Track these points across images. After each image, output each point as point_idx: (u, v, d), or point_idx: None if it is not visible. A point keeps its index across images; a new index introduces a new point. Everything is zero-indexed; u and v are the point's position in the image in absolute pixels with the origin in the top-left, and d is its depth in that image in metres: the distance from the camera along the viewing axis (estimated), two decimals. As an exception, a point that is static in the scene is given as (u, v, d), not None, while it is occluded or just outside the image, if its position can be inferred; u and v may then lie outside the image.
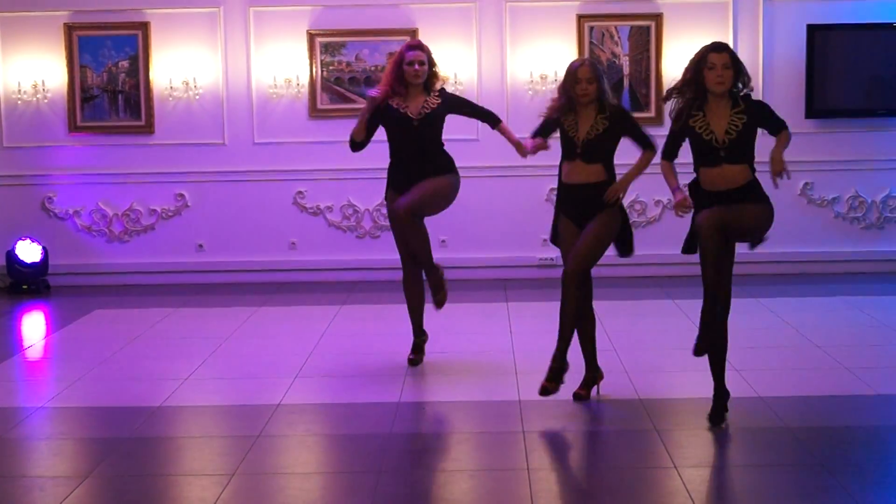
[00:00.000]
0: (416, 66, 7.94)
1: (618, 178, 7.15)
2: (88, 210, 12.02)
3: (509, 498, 5.78)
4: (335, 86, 11.83)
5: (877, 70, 11.74)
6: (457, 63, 11.63)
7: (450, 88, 11.49)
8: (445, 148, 8.15)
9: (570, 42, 11.72)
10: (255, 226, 12.02)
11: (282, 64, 11.82)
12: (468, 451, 6.63)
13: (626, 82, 11.71)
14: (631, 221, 11.66)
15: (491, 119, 8.20)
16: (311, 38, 11.79)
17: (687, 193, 6.71)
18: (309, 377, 8.08)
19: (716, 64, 6.53)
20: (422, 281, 8.26)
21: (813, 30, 11.60)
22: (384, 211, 11.81)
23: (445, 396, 7.59)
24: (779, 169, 6.46)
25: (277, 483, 6.03)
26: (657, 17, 11.71)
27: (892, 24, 11.65)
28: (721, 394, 6.79)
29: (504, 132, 8.11)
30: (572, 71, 7.15)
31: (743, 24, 11.75)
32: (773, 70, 11.67)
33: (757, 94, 11.29)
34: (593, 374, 7.37)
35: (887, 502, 5.61)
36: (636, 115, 11.60)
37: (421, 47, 8.05)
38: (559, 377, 7.09)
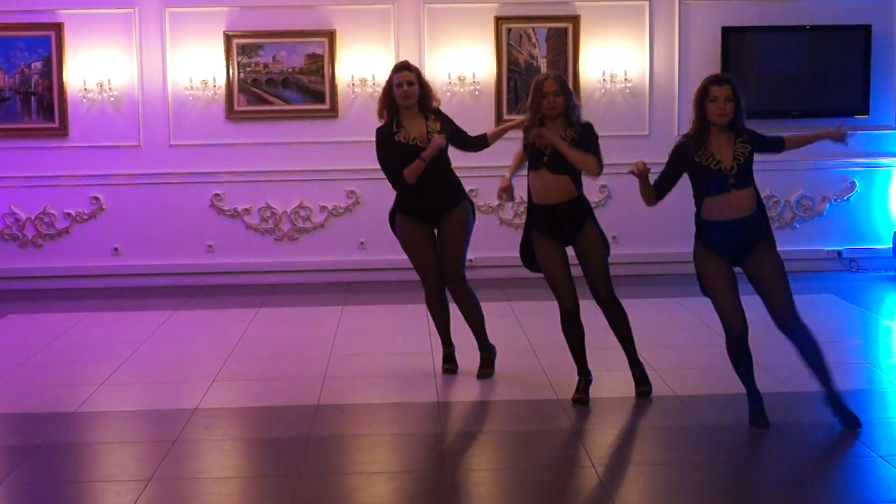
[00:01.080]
0: (405, 87, 7.74)
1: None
2: (0, 214, 11.84)
3: (429, 499, 5.78)
4: (252, 87, 11.76)
5: (790, 72, 11.89)
6: (375, 65, 11.63)
7: (368, 90, 11.53)
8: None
9: (489, 44, 11.75)
10: (172, 229, 11.91)
11: (198, 65, 11.72)
12: (388, 453, 6.61)
13: (543, 84, 11.74)
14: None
15: (481, 142, 8.00)
16: (228, 39, 11.70)
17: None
18: (226, 381, 8.03)
19: (718, 96, 6.53)
20: (445, 297, 8.06)
21: (727, 32, 11.73)
22: (302, 213, 11.81)
23: (364, 398, 7.56)
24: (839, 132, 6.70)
25: (194, 488, 5.99)
26: (574, 20, 11.76)
27: (804, 26, 11.81)
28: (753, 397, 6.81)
29: (494, 137, 8.02)
30: (539, 85, 7.19)
31: (659, 26, 11.85)
32: (689, 72, 11.76)
33: (673, 96, 11.53)
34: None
35: (803, 500, 5.67)
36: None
37: (408, 68, 7.86)
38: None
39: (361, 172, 11.33)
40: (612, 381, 7.71)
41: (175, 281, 11.86)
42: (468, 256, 11.68)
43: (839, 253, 12.10)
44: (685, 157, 6.64)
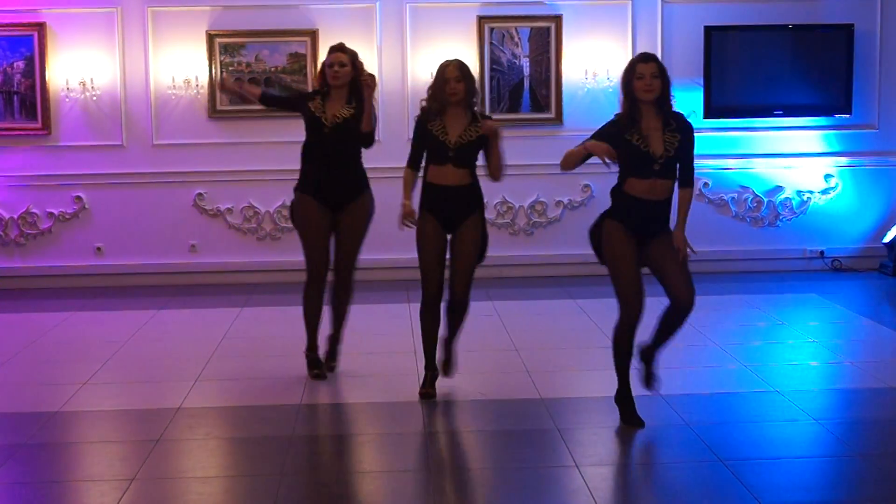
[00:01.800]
0: (336, 68, 7.80)
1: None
2: (-17, 214, 11.83)
3: (413, 499, 5.78)
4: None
5: (773, 71, 11.91)
6: (358, 64, 11.61)
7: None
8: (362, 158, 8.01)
9: (471, 43, 11.75)
10: (155, 228, 11.90)
11: (181, 64, 11.71)
12: (371, 452, 6.62)
13: (526, 83, 11.77)
14: (532, 221, 11.82)
15: (369, 139, 7.88)
16: (211, 38, 11.69)
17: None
18: (209, 380, 8.02)
19: (644, 73, 6.61)
20: (323, 295, 8.09)
21: (710, 31, 11.75)
22: (285, 213, 11.79)
23: (347, 398, 7.57)
24: (683, 248, 6.62)
25: (178, 487, 5.99)
26: (557, 19, 11.77)
27: (786, 25, 11.84)
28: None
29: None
30: (441, 71, 7.32)
31: (641, 25, 11.86)
32: (672, 71, 11.42)
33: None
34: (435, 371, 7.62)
35: (785, 498, 5.69)
36: (537, 116, 11.78)
37: (342, 49, 7.90)
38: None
39: (344, 172, 11.31)
40: (595, 380, 7.72)
41: (158, 280, 11.85)
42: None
43: (821, 252, 12.13)
44: (615, 136, 6.63)
